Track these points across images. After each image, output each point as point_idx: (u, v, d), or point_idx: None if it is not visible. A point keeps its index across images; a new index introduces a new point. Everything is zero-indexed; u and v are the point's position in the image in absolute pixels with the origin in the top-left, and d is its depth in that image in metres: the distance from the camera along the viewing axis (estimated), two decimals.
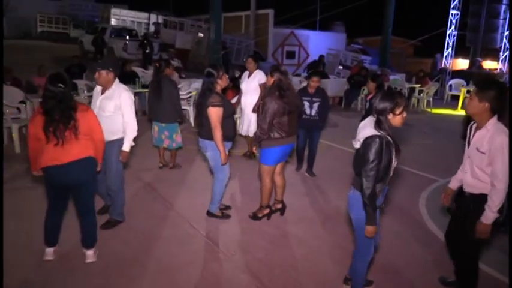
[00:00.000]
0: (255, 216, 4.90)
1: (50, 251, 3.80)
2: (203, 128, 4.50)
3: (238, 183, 6.06)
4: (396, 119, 2.94)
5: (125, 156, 4.32)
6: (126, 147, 4.29)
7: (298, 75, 15.68)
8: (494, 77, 15.46)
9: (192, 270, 3.86)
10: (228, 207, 5.10)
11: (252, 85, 6.87)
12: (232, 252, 4.14)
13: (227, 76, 4.55)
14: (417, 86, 14.44)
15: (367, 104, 5.96)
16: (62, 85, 3.42)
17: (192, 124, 9.11)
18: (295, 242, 4.47)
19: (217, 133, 4.30)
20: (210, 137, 4.39)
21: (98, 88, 4.39)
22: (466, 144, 3.25)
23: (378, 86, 5.90)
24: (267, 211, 4.92)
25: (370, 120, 3.00)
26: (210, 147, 4.46)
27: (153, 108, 6.35)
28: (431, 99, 14.04)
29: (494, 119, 2.99)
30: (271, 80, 4.62)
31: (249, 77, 6.97)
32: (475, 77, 14.22)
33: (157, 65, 6.57)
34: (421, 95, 14.16)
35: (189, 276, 3.75)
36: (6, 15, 28.60)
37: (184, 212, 4.98)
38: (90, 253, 3.84)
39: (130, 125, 4.29)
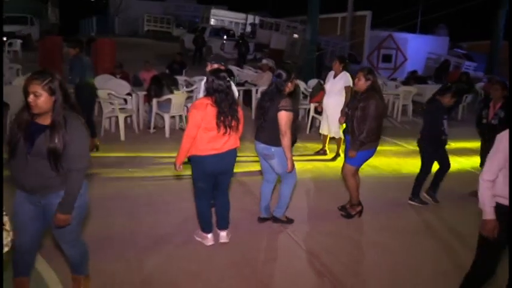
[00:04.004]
0: (348, 215, 4.87)
1: (211, 236, 4.08)
2: (265, 132, 4.21)
3: (321, 184, 6.00)
4: None
5: None
6: None
7: (395, 79, 15.10)
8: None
9: (275, 266, 3.92)
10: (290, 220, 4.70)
11: (336, 86, 6.85)
12: (316, 254, 4.12)
13: (296, 82, 4.41)
14: None
15: (502, 113, 5.31)
16: (229, 80, 3.74)
17: None
18: (382, 251, 4.32)
19: (287, 139, 4.07)
20: (275, 142, 4.15)
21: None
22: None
23: (506, 95, 5.33)
24: (359, 208, 4.89)
25: None
26: (277, 153, 4.19)
27: None
28: None
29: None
30: (366, 83, 4.52)
31: (334, 77, 6.95)
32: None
33: None
34: None
35: (271, 272, 3.82)
36: (119, 15, 31.25)
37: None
38: (223, 234, 4.14)
39: None
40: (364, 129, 4.41)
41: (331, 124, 6.98)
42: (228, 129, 3.69)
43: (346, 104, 5.87)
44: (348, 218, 4.86)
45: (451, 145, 8.82)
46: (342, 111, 6.69)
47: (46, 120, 2.58)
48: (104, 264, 3.65)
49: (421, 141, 5.35)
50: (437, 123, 5.10)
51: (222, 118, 3.64)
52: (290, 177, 4.40)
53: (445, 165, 5.41)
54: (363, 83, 4.55)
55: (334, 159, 7.20)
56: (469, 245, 4.35)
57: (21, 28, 20.14)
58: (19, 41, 17.63)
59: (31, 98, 2.49)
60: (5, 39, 17.14)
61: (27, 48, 18.17)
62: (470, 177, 6.15)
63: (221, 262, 3.85)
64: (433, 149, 5.28)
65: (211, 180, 3.91)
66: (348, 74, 6.82)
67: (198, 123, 3.66)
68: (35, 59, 14.01)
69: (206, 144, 3.69)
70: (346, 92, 6.74)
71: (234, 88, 4.46)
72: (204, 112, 3.64)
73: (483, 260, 2.98)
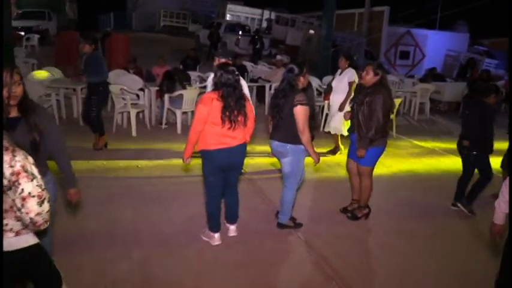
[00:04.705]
0: (354, 217, 4.75)
1: (218, 235, 4.03)
2: (281, 131, 4.09)
3: (333, 184, 5.86)
4: None
5: None
6: None
7: (412, 76, 14.79)
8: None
9: (284, 269, 3.83)
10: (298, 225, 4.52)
11: (341, 83, 6.79)
12: (325, 256, 4.00)
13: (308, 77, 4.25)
14: None
15: None
16: (238, 73, 3.72)
17: None
18: (393, 254, 4.18)
19: (306, 135, 3.98)
20: (292, 140, 4.04)
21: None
22: None
23: None
24: (366, 211, 4.78)
25: None
26: (292, 151, 4.08)
27: None
28: None
29: None
30: (374, 78, 4.37)
31: (340, 74, 6.90)
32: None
33: None
34: None
35: (280, 274, 3.72)
36: (136, 10, 31.42)
37: None
38: (233, 228, 4.20)
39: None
40: (373, 126, 4.28)
41: (332, 120, 6.92)
42: (234, 124, 3.64)
43: (351, 100, 5.74)
44: (353, 220, 4.73)
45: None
46: (341, 104, 6.61)
47: (12, 112, 2.53)
48: (106, 262, 3.61)
49: (466, 147, 4.97)
50: (488, 126, 4.86)
51: (227, 113, 3.61)
52: (293, 180, 4.26)
53: (470, 172, 5.11)
54: (370, 77, 4.40)
55: (334, 152, 7.13)
56: (488, 248, 4.20)
57: (39, 23, 20.37)
58: (36, 36, 17.83)
59: (13, 88, 2.44)
60: (22, 34, 17.36)
61: (45, 43, 18.36)
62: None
63: (227, 263, 3.76)
64: (480, 152, 4.95)
65: (222, 175, 3.87)
66: (352, 71, 6.74)
67: (204, 118, 3.63)
68: (51, 53, 14.12)
69: (215, 138, 3.66)
70: (349, 88, 6.65)
71: (246, 86, 4.36)
72: (210, 106, 3.61)
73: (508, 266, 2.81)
